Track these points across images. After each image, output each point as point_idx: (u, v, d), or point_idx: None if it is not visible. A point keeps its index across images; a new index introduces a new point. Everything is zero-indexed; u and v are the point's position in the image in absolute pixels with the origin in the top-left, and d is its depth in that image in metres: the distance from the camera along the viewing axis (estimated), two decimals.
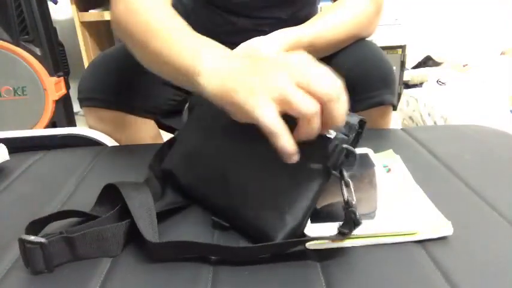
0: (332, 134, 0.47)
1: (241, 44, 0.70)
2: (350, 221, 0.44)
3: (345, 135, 0.47)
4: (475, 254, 0.44)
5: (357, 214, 0.43)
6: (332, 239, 0.45)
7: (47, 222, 0.49)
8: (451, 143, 0.73)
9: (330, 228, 0.46)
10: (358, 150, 0.64)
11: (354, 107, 0.82)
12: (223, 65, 0.47)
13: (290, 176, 0.48)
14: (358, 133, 0.49)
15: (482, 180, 0.59)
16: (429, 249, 0.45)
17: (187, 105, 0.63)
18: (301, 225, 0.47)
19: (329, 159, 0.46)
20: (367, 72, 0.78)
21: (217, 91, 0.45)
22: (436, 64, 2.40)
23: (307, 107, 0.40)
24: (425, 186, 0.55)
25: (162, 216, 0.52)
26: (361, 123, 0.48)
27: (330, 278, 0.42)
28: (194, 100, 0.62)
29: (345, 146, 0.46)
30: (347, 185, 0.45)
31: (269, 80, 0.42)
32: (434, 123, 1.77)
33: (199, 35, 0.54)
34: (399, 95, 2.16)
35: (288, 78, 0.41)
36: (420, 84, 2.26)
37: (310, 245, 0.46)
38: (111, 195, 0.51)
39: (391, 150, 0.66)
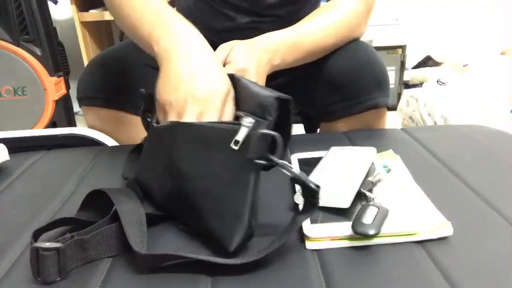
0: (245, 121, 0.43)
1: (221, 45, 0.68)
2: (306, 191, 0.42)
3: (261, 118, 0.43)
4: (475, 254, 0.44)
5: (307, 182, 0.41)
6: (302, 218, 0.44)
7: (49, 229, 0.48)
8: (451, 143, 0.73)
9: (330, 228, 0.46)
10: (364, 149, 0.64)
11: (347, 111, 0.81)
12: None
13: (220, 177, 0.45)
14: (285, 113, 0.45)
15: (482, 180, 0.59)
16: (429, 249, 0.45)
17: (141, 108, 0.60)
18: (250, 224, 0.45)
19: (247, 150, 0.43)
20: (359, 75, 0.77)
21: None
22: (436, 64, 2.40)
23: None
24: (425, 186, 0.55)
25: (160, 217, 0.52)
26: (281, 101, 0.44)
27: (329, 278, 0.42)
28: (146, 105, 0.59)
29: (262, 131, 0.42)
30: (283, 167, 0.43)
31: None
32: (434, 123, 1.77)
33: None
34: (399, 95, 2.16)
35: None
36: (420, 84, 2.27)
37: (310, 245, 0.46)
38: (96, 200, 0.50)
39: (391, 150, 0.66)
